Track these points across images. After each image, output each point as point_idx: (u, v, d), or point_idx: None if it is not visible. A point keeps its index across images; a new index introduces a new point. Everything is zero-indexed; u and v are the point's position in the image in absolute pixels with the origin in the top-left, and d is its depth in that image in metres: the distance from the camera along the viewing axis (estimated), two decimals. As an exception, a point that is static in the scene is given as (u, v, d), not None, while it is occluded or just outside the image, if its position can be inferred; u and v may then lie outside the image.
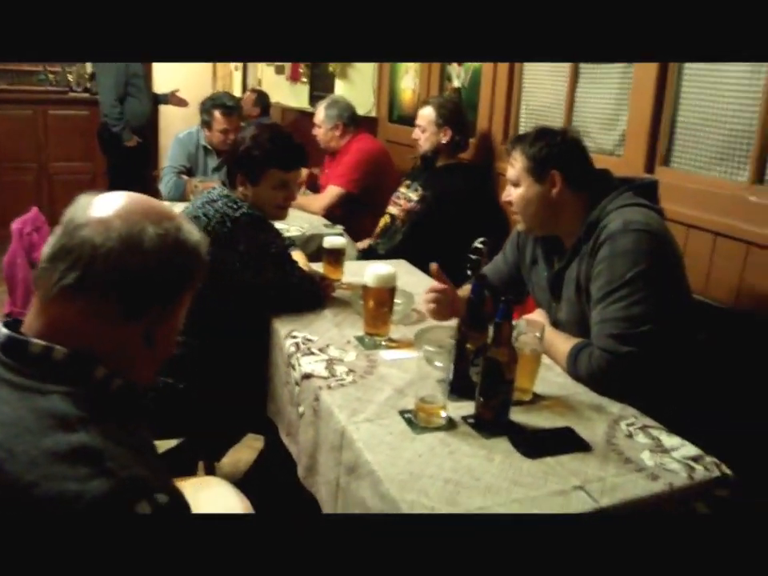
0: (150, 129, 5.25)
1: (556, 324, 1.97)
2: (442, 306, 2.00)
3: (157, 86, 9.50)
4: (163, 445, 2.37)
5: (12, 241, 3.24)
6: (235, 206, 2.13)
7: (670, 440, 1.54)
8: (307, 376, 1.80)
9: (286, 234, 3.24)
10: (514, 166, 1.91)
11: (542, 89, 3.10)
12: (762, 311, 2.07)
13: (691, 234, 2.29)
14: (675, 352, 1.77)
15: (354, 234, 3.53)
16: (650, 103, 2.42)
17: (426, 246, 3.11)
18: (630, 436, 1.55)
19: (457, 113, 3.13)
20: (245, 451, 2.73)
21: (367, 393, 1.70)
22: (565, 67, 2.89)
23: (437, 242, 3.10)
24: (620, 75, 2.61)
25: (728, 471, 1.44)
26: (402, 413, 1.60)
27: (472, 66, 3.56)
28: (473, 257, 2.97)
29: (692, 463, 1.45)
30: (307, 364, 1.85)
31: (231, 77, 7.85)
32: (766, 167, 2.11)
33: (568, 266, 1.89)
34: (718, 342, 2.16)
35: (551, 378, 1.81)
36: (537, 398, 1.70)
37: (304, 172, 4.36)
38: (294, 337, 2.02)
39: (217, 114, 3.83)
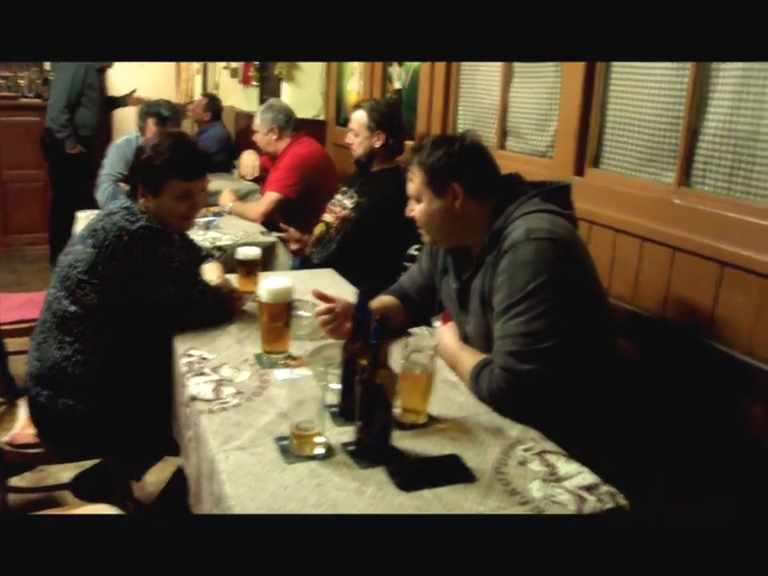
0: (98, 140, 5.10)
1: (465, 338, 1.84)
2: (336, 324, 1.87)
3: (120, 92, 9.41)
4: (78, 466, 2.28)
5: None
6: (134, 219, 2.01)
7: (566, 467, 1.41)
8: (193, 398, 1.69)
9: (218, 243, 3.14)
10: (413, 180, 1.78)
11: (479, 89, 2.97)
12: (689, 320, 1.95)
13: (619, 239, 2.16)
14: (587, 367, 1.64)
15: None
16: (578, 104, 2.30)
17: (360, 254, 2.98)
18: (524, 463, 1.42)
19: (390, 116, 2.99)
20: (170, 470, 2.60)
21: (248, 417, 1.58)
22: (499, 67, 2.77)
23: (372, 250, 2.97)
24: (551, 75, 2.48)
25: (623, 501, 1.30)
26: (278, 440, 1.47)
27: (412, 66, 3.44)
28: (408, 264, 2.84)
29: (584, 494, 1.32)
30: (194, 385, 1.74)
31: (193, 80, 7.71)
32: (692, 169, 1.98)
33: (474, 277, 1.76)
34: (645, 353, 2.05)
35: (454, 398, 1.68)
36: (432, 421, 1.56)
37: (248, 160, 4.23)
38: (190, 355, 1.92)
39: (150, 122, 3.72)
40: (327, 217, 3.22)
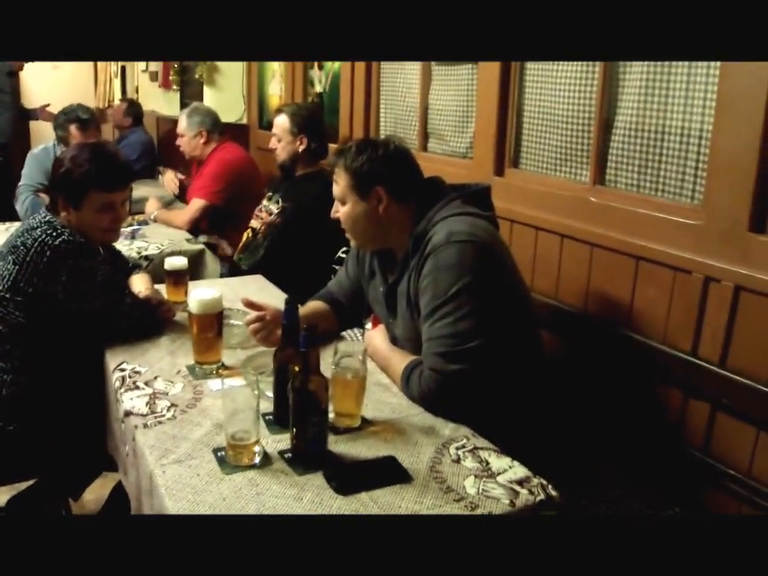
0: (15, 146, 4.93)
1: (394, 340, 1.88)
2: (267, 332, 1.88)
3: (36, 95, 9.09)
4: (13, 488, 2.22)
5: None
6: (55, 234, 1.96)
7: (498, 462, 1.46)
8: (127, 413, 1.67)
9: (145, 253, 3.09)
10: (338, 183, 1.80)
11: (399, 91, 3.02)
12: (608, 314, 2.04)
13: (540, 237, 2.24)
14: (513, 364, 1.70)
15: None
16: (494, 105, 2.36)
17: (289, 259, 3.00)
18: (458, 461, 1.46)
19: (312, 119, 3.01)
20: (110, 486, 2.55)
21: (184, 429, 1.58)
22: (418, 69, 2.82)
23: (300, 254, 2.99)
24: (467, 77, 2.54)
25: (554, 493, 1.36)
26: (215, 451, 1.47)
27: (332, 69, 3.46)
28: (337, 267, 2.86)
29: (516, 487, 1.37)
30: (128, 400, 1.73)
31: (111, 84, 7.52)
32: (606, 168, 2.07)
33: (400, 280, 1.80)
34: (568, 346, 2.13)
35: (386, 400, 1.71)
36: (365, 424, 1.59)
37: (169, 178, 4.18)
38: (123, 369, 1.89)
39: (72, 128, 3.62)
40: (254, 223, 3.21)
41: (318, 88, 3.60)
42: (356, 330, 2.37)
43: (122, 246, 3.15)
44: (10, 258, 1.97)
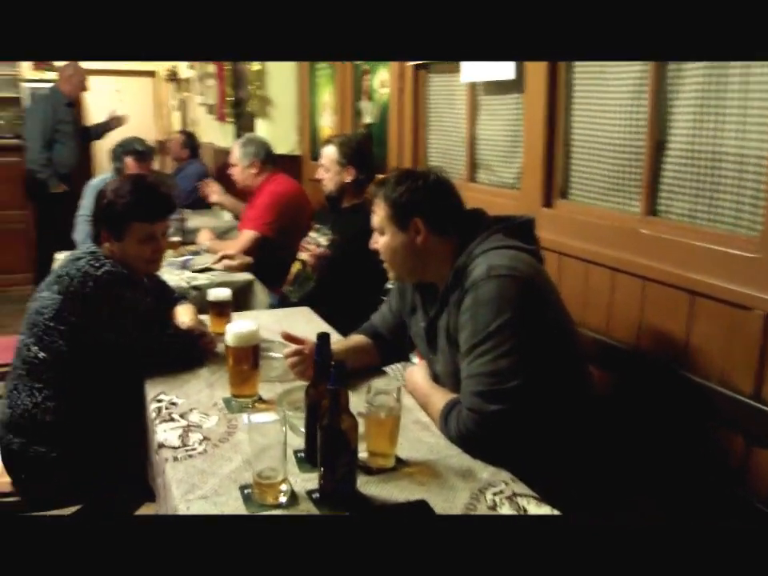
0: (78, 175, 5.08)
1: (436, 377, 1.82)
2: (305, 367, 1.85)
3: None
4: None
5: None
6: (98, 264, 1.99)
7: (537, 511, 1.38)
8: (160, 445, 1.66)
9: (194, 283, 3.11)
10: (377, 213, 1.77)
11: (446, 122, 2.98)
12: (661, 351, 1.93)
13: (590, 270, 2.15)
14: (557, 403, 1.62)
15: (273, 280, 3.37)
16: (541, 132, 2.30)
17: (338, 291, 2.97)
18: (494, 507, 1.38)
19: (360, 150, 3.00)
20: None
21: (214, 464, 1.55)
22: (465, 99, 2.78)
23: (349, 286, 2.95)
24: (514, 105, 2.49)
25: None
26: (242, 488, 1.44)
27: (381, 101, 3.45)
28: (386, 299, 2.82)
29: (554, 538, 1.29)
30: (162, 432, 1.72)
31: (171, 116, 7.74)
32: (657, 197, 1.98)
33: (440, 315, 1.74)
34: (620, 384, 2.03)
35: (424, 439, 1.65)
36: (400, 464, 1.53)
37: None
38: (160, 400, 1.90)
39: (128, 160, 3.69)
40: (302, 255, 3.21)
41: (368, 119, 3.59)
42: (400, 364, 2.32)
43: (173, 275, 3.19)
44: (55, 287, 2.01)
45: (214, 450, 1.62)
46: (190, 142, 5.40)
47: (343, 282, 2.96)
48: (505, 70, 2.39)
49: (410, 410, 1.79)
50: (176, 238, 3.60)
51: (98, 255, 2.03)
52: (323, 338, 1.51)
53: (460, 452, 1.58)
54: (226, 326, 2.28)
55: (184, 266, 3.35)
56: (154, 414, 1.81)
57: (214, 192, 4.02)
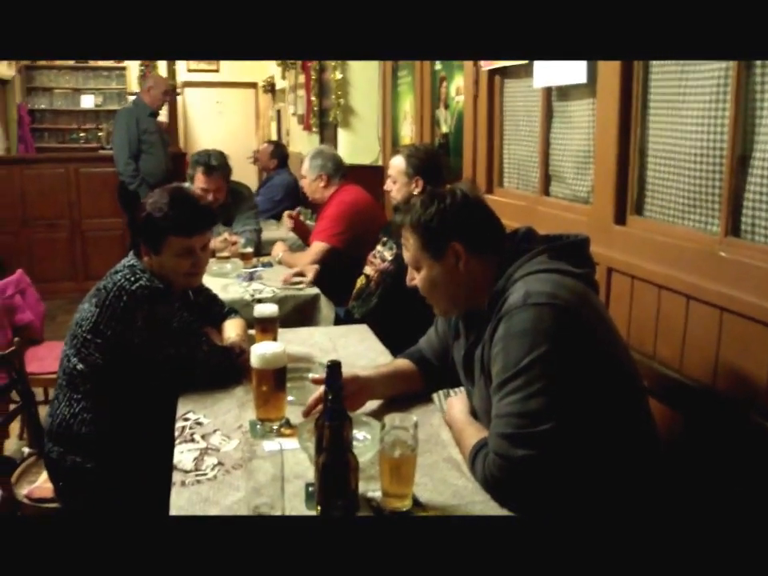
0: (168, 184, 5.20)
1: (474, 411, 1.64)
2: (346, 400, 1.70)
3: (201, 137, 9.70)
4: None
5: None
6: (133, 279, 1.96)
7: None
8: (173, 468, 1.59)
9: (258, 296, 3.05)
10: (407, 247, 1.62)
11: (521, 132, 2.79)
12: (740, 393, 1.68)
13: (663, 296, 1.91)
14: (605, 449, 1.41)
15: (342, 294, 3.27)
16: (613, 143, 2.08)
17: (401, 309, 2.82)
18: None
19: (428, 161, 2.85)
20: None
21: (219, 493, 1.47)
22: (538, 103, 2.58)
23: (412, 304, 2.79)
24: (588, 112, 2.28)
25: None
26: (238, 525, 1.32)
27: (456, 109, 3.29)
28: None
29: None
30: (178, 453, 1.65)
31: (269, 126, 7.87)
32: (740, 216, 1.73)
33: (476, 344, 1.57)
34: (691, 426, 1.79)
35: (451, 480, 1.49)
36: (417, 507, 1.37)
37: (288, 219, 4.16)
38: (186, 419, 1.83)
39: (198, 171, 3.68)
40: (368, 269, 3.09)
41: (444, 128, 3.44)
42: (447, 391, 2.16)
43: (239, 287, 3.15)
44: (93, 300, 1.99)
45: (225, 476, 1.53)
46: (278, 152, 5.41)
47: (405, 300, 2.81)
48: (576, 73, 2.19)
49: (445, 445, 1.64)
50: (249, 249, 3.57)
51: (135, 269, 1.99)
52: (334, 367, 1.37)
53: (488, 499, 1.41)
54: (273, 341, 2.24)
55: (251, 277, 3.30)
56: (177, 433, 1.75)
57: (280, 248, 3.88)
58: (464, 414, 1.65)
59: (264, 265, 3.57)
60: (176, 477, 1.54)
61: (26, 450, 2.44)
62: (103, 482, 2.00)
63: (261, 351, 1.72)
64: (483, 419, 1.57)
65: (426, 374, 1.90)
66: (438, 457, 1.58)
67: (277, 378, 1.71)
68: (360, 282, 3.11)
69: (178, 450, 1.66)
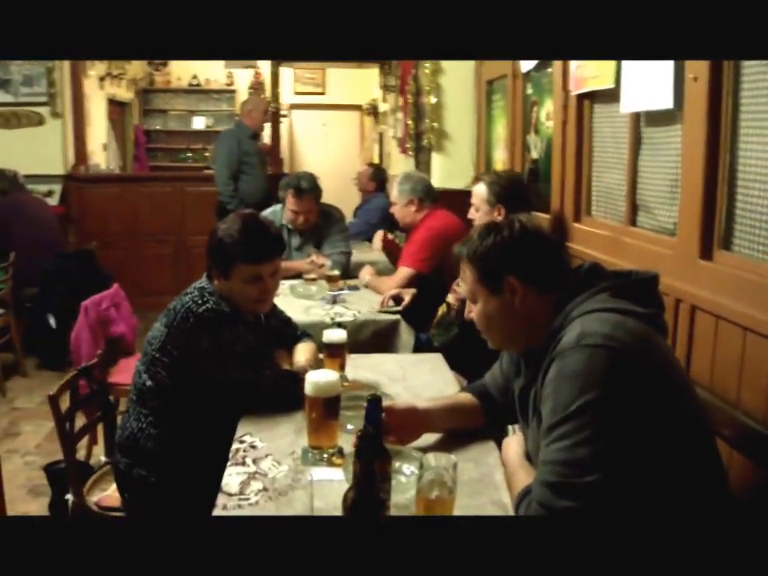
0: (266, 205, 5.33)
1: (528, 453, 1.56)
2: (402, 433, 1.69)
3: (308, 158, 9.93)
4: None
5: (79, 317, 3.32)
6: (201, 301, 2.00)
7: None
8: (220, 490, 1.60)
9: (339, 319, 3.04)
10: (464, 279, 1.57)
11: (609, 159, 2.67)
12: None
13: (749, 340, 1.76)
14: (665, 507, 1.30)
15: (425, 320, 3.23)
16: (700, 170, 1.94)
17: (481, 340, 2.75)
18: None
19: (512, 189, 2.78)
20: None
21: (257, 521, 1.44)
22: (625, 130, 2.47)
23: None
24: (676, 138, 2.14)
25: None
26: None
27: (546, 135, 3.20)
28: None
29: None
30: (227, 476, 1.66)
31: (372, 149, 7.97)
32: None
33: (532, 384, 1.50)
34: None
35: (496, 527, 1.41)
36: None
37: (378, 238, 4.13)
38: (242, 441, 1.85)
39: (289, 194, 3.74)
40: (450, 297, 3.03)
41: (534, 154, 3.36)
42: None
43: (321, 309, 3.16)
44: (163, 320, 2.04)
45: (267, 503, 1.53)
46: (377, 174, 5.45)
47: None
48: (663, 97, 2.07)
49: (497, 487, 1.57)
50: (335, 272, 3.57)
51: (204, 292, 2.03)
52: (374, 401, 1.34)
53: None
54: (342, 368, 2.23)
55: (334, 300, 3.31)
56: (231, 455, 1.76)
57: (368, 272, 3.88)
58: (518, 456, 1.57)
59: (350, 288, 3.57)
60: (220, 500, 1.55)
61: (103, 458, 2.53)
62: (165, 497, 2.04)
63: (314, 379, 1.71)
64: (535, 462, 1.49)
65: (488, 410, 1.84)
66: (488, 499, 1.52)
67: (328, 406, 1.69)
68: (441, 310, 3.05)
69: (227, 472, 1.67)
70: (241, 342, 2.01)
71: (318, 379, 1.70)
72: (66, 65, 5.91)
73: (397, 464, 1.60)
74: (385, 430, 1.69)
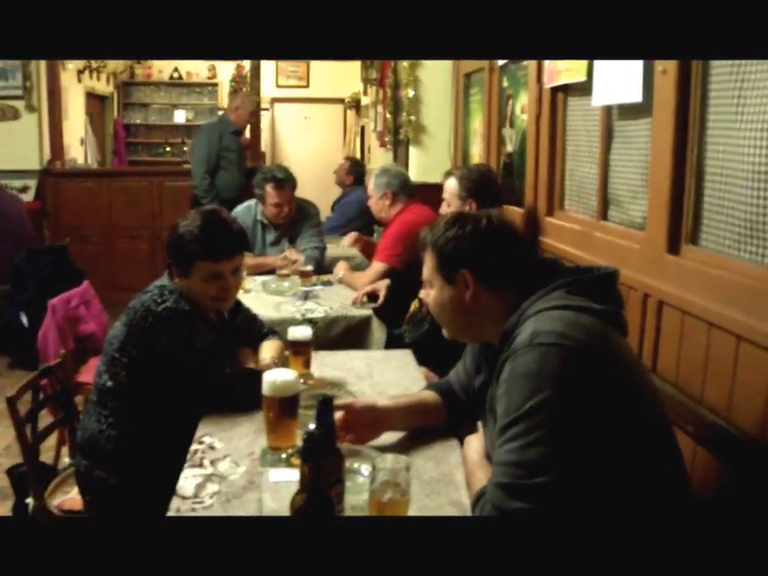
0: (241, 202, 5.29)
1: (488, 452, 1.53)
2: (361, 431, 1.68)
3: (290, 152, 9.86)
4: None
5: (46, 316, 3.26)
6: (160, 300, 1.96)
7: None
8: (174, 493, 1.56)
9: (309, 315, 3.00)
10: (426, 263, 1.55)
11: (582, 153, 2.64)
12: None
13: (713, 335, 1.74)
14: (619, 507, 1.27)
15: (397, 317, 3.19)
16: (668, 164, 1.91)
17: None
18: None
19: (483, 183, 2.75)
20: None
21: (210, 524, 1.40)
22: (598, 125, 2.44)
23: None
24: (645, 132, 2.12)
25: None
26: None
27: (521, 128, 3.17)
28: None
29: None
30: (183, 478, 1.62)
31: (355, 143, 7.94)
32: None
33: (488, 383, 1.47)
34: (738, 481, 1.61)
35: (452, 529, 1.38)
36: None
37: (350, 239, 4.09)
38: (201, 442, 1.81)
39: (268, 187, 3.68)
40: (422, 293, 2.99)
41: (509, 147, 3.32)
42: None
43: (292, 306, 3.12)
44: (123, 318, 2.01)
45: (223, 505, 1.49)
46: (355, 168, 5.40)
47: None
48: (632, 91, 2.04)
49: (457, 487, 1.54)
50: (309, 268, 3.53)
51: (164, 290, 1.99)
52: (326, 402, 1.30)
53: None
54: (308, 367, 2.19)
55: (306, 296, 3.26)
56: (188, 456, 1.72)
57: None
58: (477, 455, 1.54)
59: (324, 284, 3.53)
60: (174, 503, 1.51)
61: (67, 460, 2.48)
62: (125, 500, 2.00)
63: (271, 378, 1.67)
64: (492, 462, 1.46)
65: (451, 408, 1.81)
66: (446, 499, 1.49)
67: (285, 406, 1.66)
68: (414, 305, 3.02)
69: (183, 474, 1.63)
70: (200, 340, 1.96)
71: (275, 378, 1.66)
72: (42, 58, 5.83)
73: (355, 464, 1.56)
74: (345, 428, 1.68)
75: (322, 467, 1.17)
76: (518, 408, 1.24)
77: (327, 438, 1.28)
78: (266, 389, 1.66)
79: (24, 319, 4.43)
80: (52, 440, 2.74)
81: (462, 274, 1.45)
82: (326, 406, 1.29)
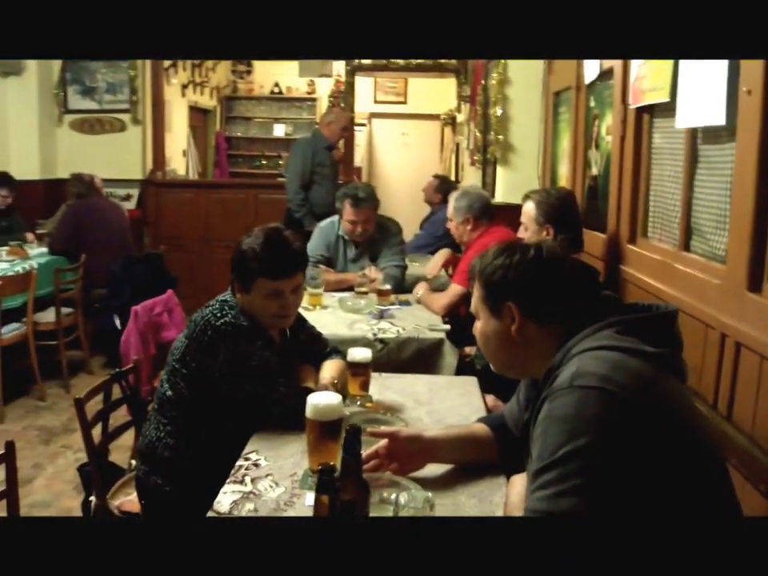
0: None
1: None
2: (404, 461, 1.63)
3: (387, 168, 9.89)
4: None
5: (129, 321, 3.38)
6: (220, 314, 1.99)
7: None
8: (210, 509, 1.58)
9: (381, 335, 2.96)
10: (474, 293, 1.50)
11: (666, 178, 2.50)
12: None
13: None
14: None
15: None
16: (751, 193, 1.78)
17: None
18: None
19: (561, 208, 2.65)
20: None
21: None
22: (682, 146, 2.30)
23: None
24: (730, 159, 1.97)
25: None
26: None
27: (606, 150, 3.04)
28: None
29: None
30: (222, 494, 1.64)
31: (450, 159, 7.91)
32: None
33: (530, 421, 1.39)
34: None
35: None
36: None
37: (440, 257, 4.03)
38: (247, 458, 1.82)
39: (346, 203, 3.69)
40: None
41: (594, 170, 3.20)
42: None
43: (366, 324, 3.09)
44: (185, 330, 2.04)
45: (253, 526, 1.47)
46: (443, 186, 5.36)
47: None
48: (716, 113, 1.91)
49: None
50: (387, 286, 3.51)
51: (225, 305, 2.02)
52: (353, 432, 1.27)
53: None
54: (366, 388, 2.17)
55: (381, 315, 3.24)
56: (232, 472, 1.73)
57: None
58: (519, 497, 1.45)
59: (401, 303, 3.50)
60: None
61: (133, 462, 2.54)
62: (179, 507, 2.03)
63: (314, 401, 1.66)
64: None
65: (502, 444, 1.73)
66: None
67: (327, 429, 1.64)
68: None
69: (223, 489, 1.64)
70: (257, 356, 1.98)
71: (318, 402, 1.65)
72: (148, 73, 6.11)
73: (392, 495, 1.51)
74: (388, 456, 1.64)
75: (344, 497, 1.14)
76: (552, 453, 1.17)
77: (356, 467, 1.24)
78: (308, 411, 1.65)
79: (117, 322, 4.62)
80: (130, 440, 2.82)
81: (508, 306, 1.39)
82: (353, 435, 1.26)
